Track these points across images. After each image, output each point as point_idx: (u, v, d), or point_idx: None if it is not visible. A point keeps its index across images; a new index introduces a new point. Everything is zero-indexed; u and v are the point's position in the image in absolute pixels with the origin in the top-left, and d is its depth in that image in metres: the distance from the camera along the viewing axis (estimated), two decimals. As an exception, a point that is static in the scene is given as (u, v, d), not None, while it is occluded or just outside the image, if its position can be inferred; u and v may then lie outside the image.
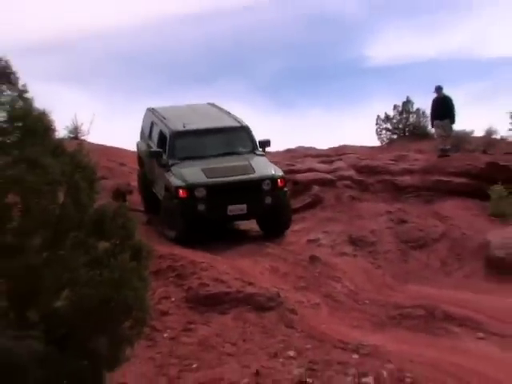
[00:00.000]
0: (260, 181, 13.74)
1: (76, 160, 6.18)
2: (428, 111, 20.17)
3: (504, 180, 16.61)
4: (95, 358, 6.11)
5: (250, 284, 11.09)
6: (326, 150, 21.32)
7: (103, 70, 45.36)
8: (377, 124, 23.14)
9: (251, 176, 13.76)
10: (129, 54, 43.42)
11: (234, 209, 13.56)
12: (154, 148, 14.96)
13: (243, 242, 13.83)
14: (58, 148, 6.17)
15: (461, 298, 12.28)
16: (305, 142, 22.61)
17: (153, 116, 15.83)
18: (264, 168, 14.11)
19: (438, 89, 18.88)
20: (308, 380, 8.06)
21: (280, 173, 14.19)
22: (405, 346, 9.53)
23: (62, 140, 6.52)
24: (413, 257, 14.96)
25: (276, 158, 15.61)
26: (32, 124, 6.01)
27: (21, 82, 6.14)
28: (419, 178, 17.94)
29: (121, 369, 6.79)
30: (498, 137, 20.90)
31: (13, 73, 6.09)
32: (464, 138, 20.34)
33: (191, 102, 16.99)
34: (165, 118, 15.22)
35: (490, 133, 20.89)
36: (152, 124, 15.73)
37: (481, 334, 10.58)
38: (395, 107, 23.01)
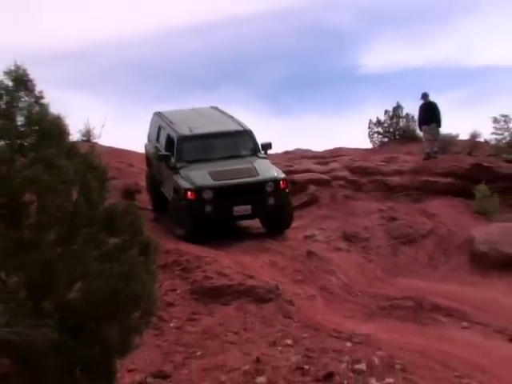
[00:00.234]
0: (263, 183, 13.69)
1: (88, 161, 6.17)
2: (416, 116, 20.16)
3: (487, 180, 16.64)
4: (106, 346, 6.11)
5: (251, 277, 11.10)
6: (322, 152, 21.29)
7: (113, 77, 45.35)
8: (369, 128, 23.10)
9: (255, 178, 13.70)
10: (136, 62, 43.39)
11: (240, 209, 13.54)
12: (162, 151, 14.90)
13: (244, 238, 13.83)
14: (71, 150, 6.17)
15: (447, 290, 12.31)
16: (302, 144, 22.57)
17: (160, 120, 15.74)
18: (267, 170, 14.06)
19: (424, 95, 18.89)
20: (305, 366, 8.05)
21: (282, 175, 14.14)
22: (395, 335, 9.54)
23: (75, 142, 6.51)
24: (402, 252, 14.97)
25: (275, 159, 15.59)
26: (48, 128, 6.01)
27: (37, 89, 6.14)
28: (408, 178, 17.95)
29: (130, 356, 6.80)
30: (481, 140, 20.87)
31: (30, 80, 6.09)
32: (450, 140, 20.32)
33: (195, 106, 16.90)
34: (172, 123, 15.13)
35: (474, 136, 20.87)
36: (159, 128, 15.64)
37: (465, 324, 10.61)
38: (386, 112, 22.98)
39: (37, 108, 6.10)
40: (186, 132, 14.60)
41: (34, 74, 6.11)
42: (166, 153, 14.59)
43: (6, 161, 5.97)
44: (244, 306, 10.30)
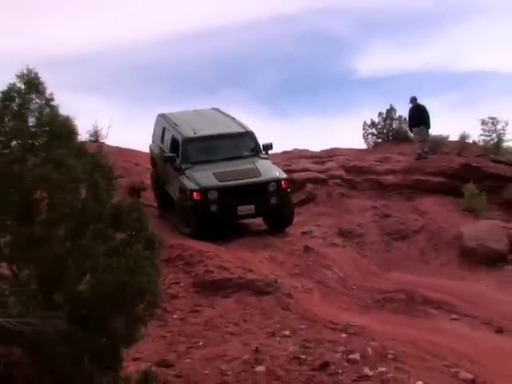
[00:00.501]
0: (266, 183, 13.62)
1: (96, 160, 6.18)
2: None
3: (476, 179, 16.65)
4: (113, 336, 6.12)
5: (251, 271, 11.10)
6: (319, 152, 21.24)
7: (120, 81, 45.31)
8: (363, 129, 23.01)
9: (258, 179, 13.63)
10: (142, 66, 43.31)
11: (244, 209, 13.49)
12: (167, 152, 14.79)
13: (245, 234, 13.82)
14: (80, 150, 6.18)
15: (437, 284, 12.31)
16: (300, 145, 22.43)
17: (164, 122, 15.63)
18: (269, 171, 13.98)
19: (413, 99, 18.88)
20: (301, 356, 8.08)
21: (284, 175, 14.07)
22: (388, 326, 9.55)
23: (83, 142, 6.54)
24: (395, 247, 14.96)
25: (274, 159, 15.55)
26: (58, 128, 6.02)
27: (48, 92, 6.15)
28: (401, 177, 17.93)
29: (136, 346, 6.81)
30: (470, 141, 20.85)
31: (41, 83, 6.10)
32: (441, 141, 20.27)
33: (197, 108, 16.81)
34: (176, 125, 15.01)
35: (463, 137, 20.82)
36: (164, 129, 15.53)
37: (454, 316, 10.62)
38: (380, 114, 22.90)
39: (47, 110, 6.11)
40: (190, 134, 14.49)
41: (44, 77, 6.14)
42: (171, 154, 14.46)
43: (18, 160, 5.99)
44: (244, 299, 10.30)
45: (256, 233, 14.04)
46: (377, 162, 19.14)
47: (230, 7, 43.45)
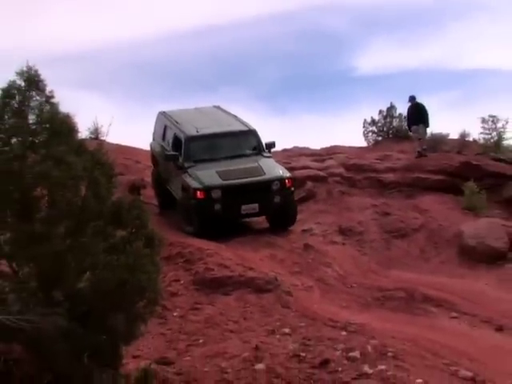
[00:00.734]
0: (270, 182, 13.55)
1: (96, 158, 6.18)
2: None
3: (476, 177, 16.63)
4: (113, 333, 6.12)
5: (251, 269, 11.10)
6: (319, 149, 21.23)
7: (120, 78, 45.27)
8: (364, 127, 22.99)
9: (262, 178, 13.56)
10: (142, 64, 43.27)
11: (247, 208, 13.43)
12: (168, 150, 14.71)
13: (245, 232, 13.81)
14: (80, 147, 6.18)
15: (437, 282, 12.31)
16: (300, 142, 22.43)
17: (165, 119, 15.54)
18: (272, 169, 13.90)
19: (411, 98, 18.88)
20: (301, 354, 8.08)
21: (287, 174, 13.98)
22: (387, 324, 9.55)
23: (84, 140, 6.55)
24: (395, 245, 14.96)
25: (274, 156, 15.54)
26: (58, 126, 6.02)
27: (48, 89, 6.15)
28: (401, 175, 17.92)
29: (135, 343, 6.82)
30: (470, 139, 20.83)
31: (41, 80, 6.10)
32: (441, 139, 20.24)
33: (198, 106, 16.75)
34: (178, 123, 14.91)
35: (463, 135, 20.80)
36: (165, 127, 15.42)
37: (454, 314, 10.62)
38: (380, 112, 22.89)
39: (47, 107, 6.11)
40: (193, 132, 14.39)
41: (45, 74, 6.13)
42: (173, 152, 14.35)
43: (18, 157, 5.99)
44: (244, 297, 10.31)
45: (256, 231, 14.03)
46: (377, 159, 19.13)
47: (230, 5, 43.51)
